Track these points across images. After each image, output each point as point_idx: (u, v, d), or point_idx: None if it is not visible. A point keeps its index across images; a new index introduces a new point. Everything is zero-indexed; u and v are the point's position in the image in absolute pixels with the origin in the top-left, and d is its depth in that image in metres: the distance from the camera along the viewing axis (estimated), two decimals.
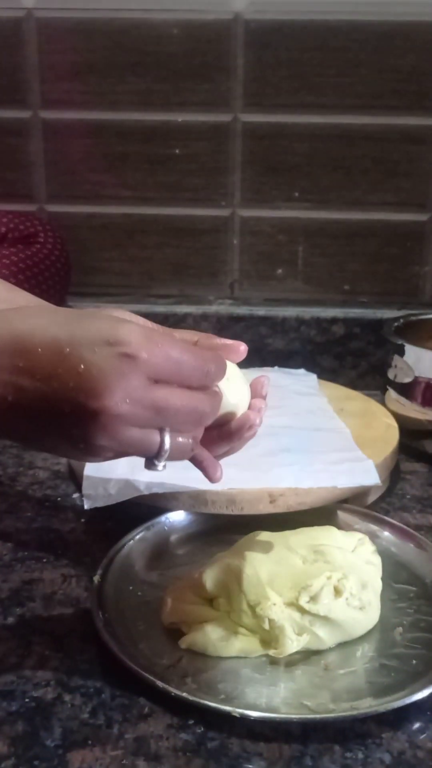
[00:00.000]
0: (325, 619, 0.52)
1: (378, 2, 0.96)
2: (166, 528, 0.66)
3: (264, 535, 0.59)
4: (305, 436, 0.77)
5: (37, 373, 0.40)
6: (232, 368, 0.50)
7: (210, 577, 0.54)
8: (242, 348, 0.51)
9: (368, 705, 0.47)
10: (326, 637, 0.52)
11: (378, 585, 0.56)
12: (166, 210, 1.06)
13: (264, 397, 0.52)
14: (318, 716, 0.47)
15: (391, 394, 0.87)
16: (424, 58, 0.98)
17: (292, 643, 0.51)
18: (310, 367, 1.00)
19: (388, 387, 0.88)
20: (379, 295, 1.08)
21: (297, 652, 0.52)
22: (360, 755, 0.45)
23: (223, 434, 0.50)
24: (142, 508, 0.66)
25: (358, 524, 0.66)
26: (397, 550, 0.64)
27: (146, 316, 0.50)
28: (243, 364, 0.51)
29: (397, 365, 0.85)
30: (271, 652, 0.51)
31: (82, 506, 0.66)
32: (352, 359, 1.05)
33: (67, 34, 0.99)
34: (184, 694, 0.47)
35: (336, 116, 1.01)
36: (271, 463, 0.70)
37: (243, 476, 0.66)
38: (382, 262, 1.07)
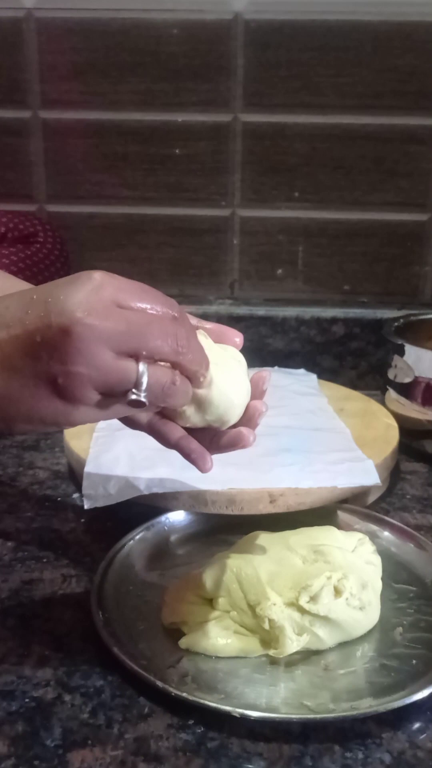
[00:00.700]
0: (325, 619, 0.52)
1: (378, 2, 0.96)
2: (166, 528, 0.66)
3: (264, 535, 0.59)
4: (305, 436, 0.77)
5: (9, 322, 0.42)
6: (233, 361, 0.50)
7: (210, 577, 0.54)
8: (237, 339, 0.52)
9: (368, 705, 0.47)
10: (326, 637, 0.52)
11: (378, 585, 0.56)
12: (166, 210, 1.06)
13: (264, 392, 0.52)
14: (318, 716, 0.47)
15: (391, 394, 0.87)
16: (424, 58, 0.98)
17: (292, 643, 0.51)
18: (310, 367, 1.00)
19: (388, 387, 0.88)
20: (379, 295, 1.08)
21: (297, 652, 0.51)
22: (360, 755, 0.45)
23: (213, 444, 0.50)
24: (142, 508, 0.66)
25: (358, 524, 0.67)
26: (397, 550, 0.64)
27: None
28: None
29: (397, 365, 0.85)
30: (271, 652, 0.51)
31: (82, 506, 0.66)
32: (352, 359, 1.05)
33: (67, 34, 0.99)
34: (184, 694, 0.47)
35: (336, 116, 1.01)
36: (271, 463, 0.70)
37: (243, 476, 0.66)
38: (382, 262, 1.07)
